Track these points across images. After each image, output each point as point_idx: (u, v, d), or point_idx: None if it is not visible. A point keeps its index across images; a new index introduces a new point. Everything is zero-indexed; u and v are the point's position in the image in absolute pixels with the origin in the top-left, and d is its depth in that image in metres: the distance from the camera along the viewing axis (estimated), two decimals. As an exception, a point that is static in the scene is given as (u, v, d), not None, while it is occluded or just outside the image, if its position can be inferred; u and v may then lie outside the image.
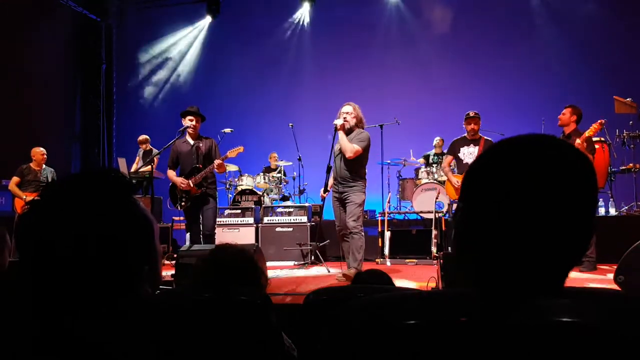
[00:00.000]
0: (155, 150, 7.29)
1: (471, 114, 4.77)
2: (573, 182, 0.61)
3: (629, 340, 0.53)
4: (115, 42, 10.08)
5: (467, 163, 4.70)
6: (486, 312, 0.58)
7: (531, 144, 0.64)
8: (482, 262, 0.63)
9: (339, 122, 4.01)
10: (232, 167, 7.25)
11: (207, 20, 9.43)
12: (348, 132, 4.04)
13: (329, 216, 4.89)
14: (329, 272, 4.53)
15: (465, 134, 4.83)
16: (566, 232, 0.60)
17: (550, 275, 0.62)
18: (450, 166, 5.06)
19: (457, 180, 4.86)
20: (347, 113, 4.07)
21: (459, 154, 4.83)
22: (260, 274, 1.47)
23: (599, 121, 4.27)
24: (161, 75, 9.64)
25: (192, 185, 4.32)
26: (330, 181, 4.19)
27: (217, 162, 4.32)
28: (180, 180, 4.33)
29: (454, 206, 5.59)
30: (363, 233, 4.04)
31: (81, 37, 9.54)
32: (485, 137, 4.80)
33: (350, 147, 3.94)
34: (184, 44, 9.66)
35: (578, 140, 4.24)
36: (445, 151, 7.07)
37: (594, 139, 4.94)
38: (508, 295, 0.60)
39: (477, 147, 4.74)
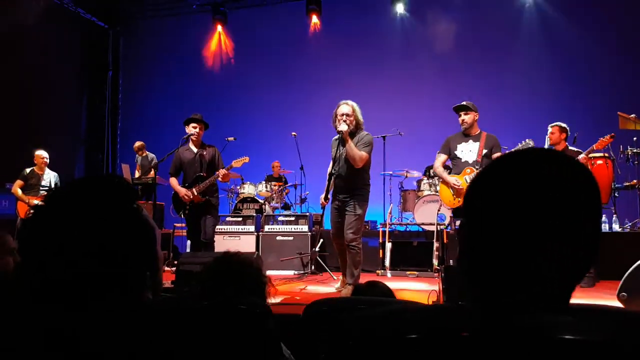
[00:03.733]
0: (152, 156, 7.33)
1: (463, 103, 4.07)
2: (577, 196, 0.60)
3: (631, 358, 0.53)
4: (122, 49, 10.19)
5: (466, 161, 4.03)
6: (489, 328, 0.58)
7: (534, 158, 0.64)
8: (487, 278, 0.62)
9: (344, 127, 3.71)
10: (233, 175, 7.28)
11: (214, 29, 9.52)
12: (350, 136, 3.76)
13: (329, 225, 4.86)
14: (335, 278, 4.48)
15: (461, 130, 4.16)
16: (571, 248, 0.60)
17: (555, 292, 0.61)
18: (443, 167, 4.34)
19: (455, 179, 4.08)
20: (346, 115, 3.75)
21: (455, 152, 4.12)
22: (266, 283, 1.47)
23: (611, 134, 4.28)
24: (166, 82, 9.71)
25: (195, 194, 4.33)
26: (330, 187, 3.96)
27: (222, 172, 4.33)
28: (184, 192, 4.33)
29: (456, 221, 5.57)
30: (361, 246, 3.84)
31: (89, 43, 9.66)
32: (488, 133, 4.10)
33: (358, 155, 3.69)
34: (190, 52, 9.75)
35: (582, 155, 4.26)
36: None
37: (598, 154, 4.97)
38: (512, 311, 0.60)
39: (477, 143, 4.04)
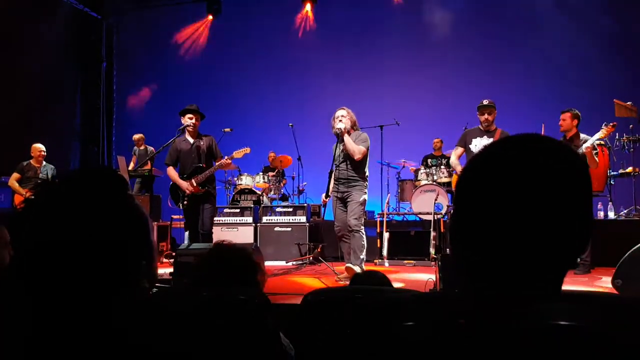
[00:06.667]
0: (150, 148, 7.30)
1: (485, 102, 4.32)
2: (566, 182, 0.61)
3: (626, 343, 0.54)
4: (116, 41, 10.07)
5: None
6: (484, 315, 0.58)
7: (523, 144, 0.64)
8: (477, 264, 0.63)
9: (342, 125, 4.08)
10: (232, 166, 7.26)
11: (208, 19, 9.42)
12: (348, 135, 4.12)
13: (329, 217, 4.86)
14: (336, 275, 4.40)
15: (479, 125, 4.39)
16: (561, 233, 0.60)
17: (547, 277, 0.62)
18: (459, 159, 4.55)
19: None
20: (342, 116, 4.14)
21: (470, 146, 4.34)
22: (258, 272, 1.47)
23: (613, 123, 4.25)
24: (161, 73, 9.62)
25: (195, 185, 4.31)
26: (331, 185, 4.21)
27: (223, 161, 4.34)
28: (186, 185, 4.31)
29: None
30: (364, 232, 4.08)
31: (82, 34, 9.53)
32: (502, 129, 4.32)
33: (357, 148, 4.04)
34: (185, 43, 9.66)
35: (587, 144, 4.21)
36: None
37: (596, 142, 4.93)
38: (505, 298, 0.60)
39: (491, 139, 4.09)
